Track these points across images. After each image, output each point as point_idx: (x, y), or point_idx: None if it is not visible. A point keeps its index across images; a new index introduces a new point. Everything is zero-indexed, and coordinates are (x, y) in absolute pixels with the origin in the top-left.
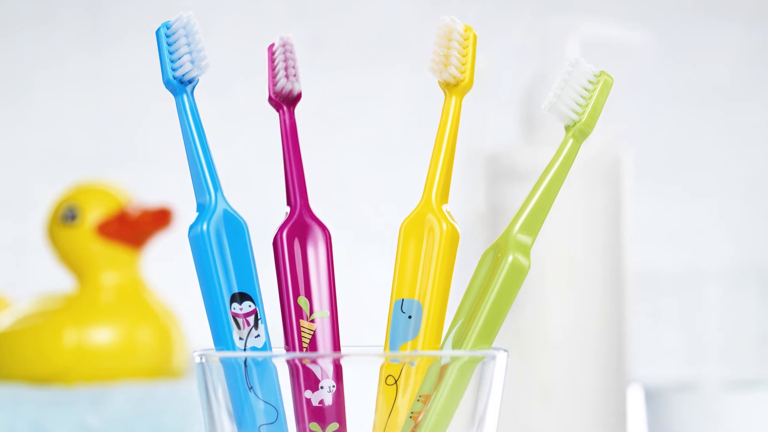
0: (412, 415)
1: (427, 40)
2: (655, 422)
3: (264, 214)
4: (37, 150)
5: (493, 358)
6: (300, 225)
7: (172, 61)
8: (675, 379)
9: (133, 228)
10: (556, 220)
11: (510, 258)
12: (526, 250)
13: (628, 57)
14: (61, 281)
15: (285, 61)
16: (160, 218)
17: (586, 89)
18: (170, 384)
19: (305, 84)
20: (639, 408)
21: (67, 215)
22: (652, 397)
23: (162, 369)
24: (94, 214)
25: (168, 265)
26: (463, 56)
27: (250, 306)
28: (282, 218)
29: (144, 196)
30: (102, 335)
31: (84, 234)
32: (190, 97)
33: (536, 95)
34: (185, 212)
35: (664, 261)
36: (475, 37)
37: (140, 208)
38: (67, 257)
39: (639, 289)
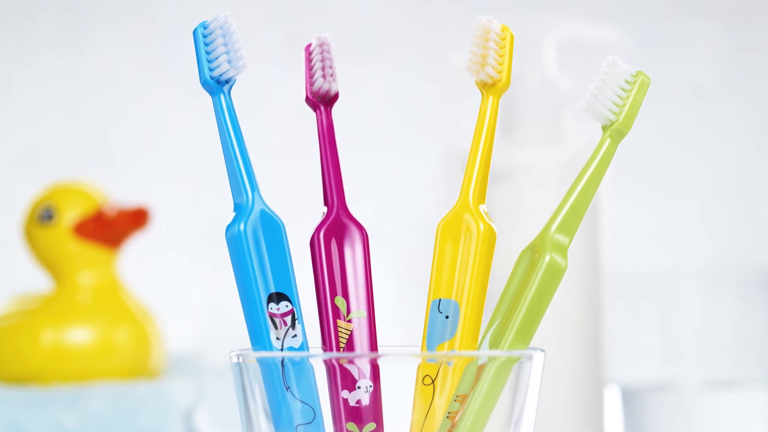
0: (449, 415)
1: (410, 41)
2: (632, 422)
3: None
4: (14, 150)
5: (530, 358)
6: (337, 225)
7: (209, 61)
8: (652, 380)
9: (110, 228)
10: (533, 221)
11: (547, 258)
12: (563, 250)
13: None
14: (38, 281)
15: (322, 61)
16: (137, 218)
17: (623, 89)
18: (147, 384)
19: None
20: (616, 408)
21: (43, 215)
22: (629, 398)
23: (139, 369)
24: (70, 214)
25: (145, 265)
26: (500, 56)
27: (287, 306)
28: (319, 218)
29: (121, 196)
30: (79, 335)
31: (61, 234)
32: (228, 97)
33: (513, 95)
34: (162, 212)
35: (642, 261)
36: (512, 37)
37: (117, 208)
38: (43, 257)
39: (616, 290)
